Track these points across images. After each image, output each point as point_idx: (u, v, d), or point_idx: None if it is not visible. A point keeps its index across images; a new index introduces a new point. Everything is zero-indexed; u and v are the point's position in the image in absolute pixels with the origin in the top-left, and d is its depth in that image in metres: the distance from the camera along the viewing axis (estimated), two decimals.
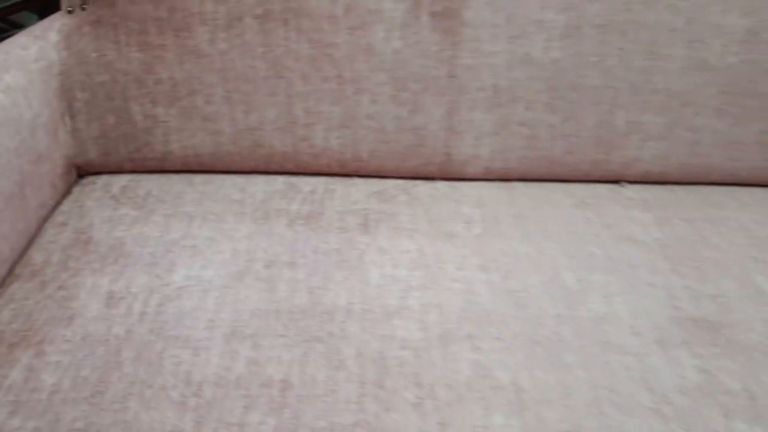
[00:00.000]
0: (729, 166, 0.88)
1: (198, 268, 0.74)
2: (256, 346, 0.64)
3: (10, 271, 0.75)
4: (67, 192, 0.88)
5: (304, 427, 0.57)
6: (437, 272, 0.73)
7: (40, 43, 0.84)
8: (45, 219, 0.83)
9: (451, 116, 0.84)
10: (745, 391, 0.61)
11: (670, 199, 0.86)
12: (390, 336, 0.66)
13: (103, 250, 0.77)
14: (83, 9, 0.85)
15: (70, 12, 0.85)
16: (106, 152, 0.88)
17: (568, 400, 0.60)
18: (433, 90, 0.83)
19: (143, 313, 0.68)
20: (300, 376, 0.61)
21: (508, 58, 0.82)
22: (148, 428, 0.57)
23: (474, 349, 0.64)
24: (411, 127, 0.85)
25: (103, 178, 0.90)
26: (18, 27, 1.65)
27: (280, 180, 0.89)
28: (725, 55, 0.81)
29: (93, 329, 0.67)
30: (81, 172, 0.91)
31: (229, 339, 0.65)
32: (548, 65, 0.82)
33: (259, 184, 0.88)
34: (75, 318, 0.68)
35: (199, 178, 0.89)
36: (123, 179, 0.89)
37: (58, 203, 0.86)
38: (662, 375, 0.62)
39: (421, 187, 0.88)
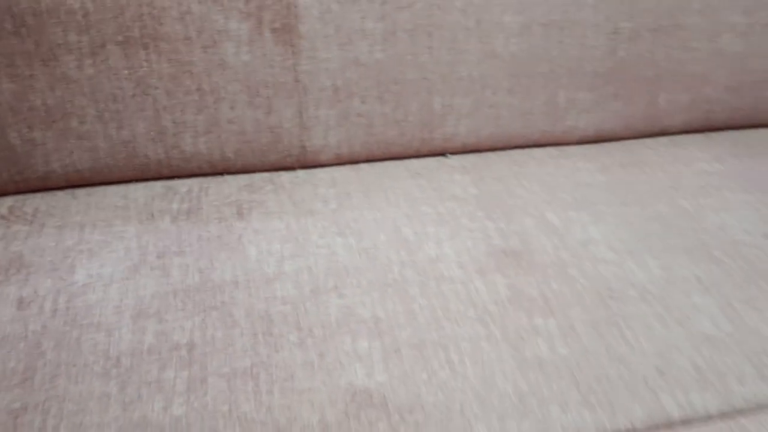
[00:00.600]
0: (525, 132, 1.11)
1: (97, 267, 0.85)
2: (161, 320, 0.77)
3: None
4: None
5: (212, 374, 0.72)
6: (304, 242, 0.89)
7: None
8: None
9: (300, 114, 1.00)
10: (542, 296, 0.83)
11: (483, 163, 1.08)
12: (272, 297, 0.81)
13: (4, 264, 0.86)
14: None
15: None
16: None
17: (414, 322, 0.78)
18: (282, 93, 0.99)
19: (55, 310, 0.79)
20: (202, 338, 0.75)
21: (340, 61, 0.99)
22: (79, 397, 0.69)
23: (339, 296, 0.81)
24: (267, 127, 1.01)
25: None
26: None
27: (158, 185, 1.01)
28: (508, 45, 1.03)
29: (10, 329, 0.76)
30: None
31: (136, 319, 0.78)
32: (373, 65, 1.00)
33: (139, 190, 1.00)
34: None
35: (81, 192, 0.99)
36: (8, 200, 0.97)
37: None
38: (482, 294, 0.83)
39: (283, 176, 1.03)
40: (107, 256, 0.87)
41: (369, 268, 0.86)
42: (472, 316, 0.80)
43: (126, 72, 0.94)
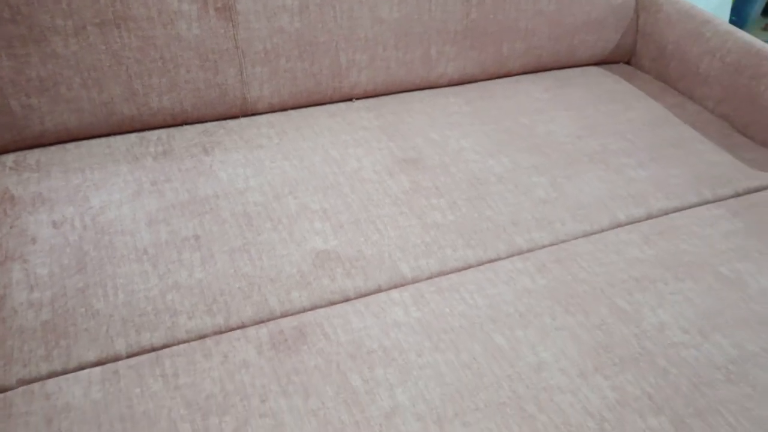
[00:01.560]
0: (408, 78, 1.47)
1: (106, 195, 1.12)
2: (169, 224, 1.07)
3: None
4: None
5: (217, 252, 1.03)
6: (260, 167, 1.21)
7: None
8: None
9: (241, 73, 1.31)
10: (434, 186, 1.20)
11: (380, 103, 1.44)
12: (246, 202, 1.13)
13: (28, 200, 1.11)
14: None
15: None
16: None
17: (350, 209, 1.13)
18: (226, 57, 1.28)
19: (84, 226, 1.06)
20: (203, 232, 1.06)
21: (268, 30, 1.30)
22: (125, 275, 0.98)
23: (295, 198, 1.14)
24: (216, 84, 1.30)
25: None
26: None
27: (132, 136, 1.28)
28: (392, 12, 1.38)
29: (54, 242, 1.03)
30: None
31: (150, 224, 1.07)
32: (294, 32, 1.32)
33: (118, 141, 1.26)
34: (36, 240, 1.03)
35: (71, 145, 1.24)
36: (11, 156, 1.21)
37: None
38: (393, 188, 1.19)
39: (231, 123, 1.34)
40: (111, 187, 1.14)
41: (311, 178, 1.19)
42: (389, 202, 1.16)
43: (103, 47, 1.19)
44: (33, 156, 1.21)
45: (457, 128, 1.37)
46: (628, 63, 1.74)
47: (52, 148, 1.24)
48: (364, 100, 1.45)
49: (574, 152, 1.33)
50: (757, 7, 2.96)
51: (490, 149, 1.31)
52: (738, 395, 0.87)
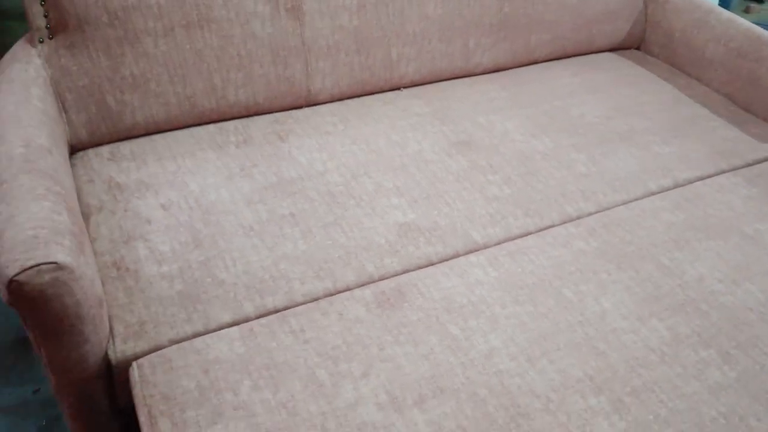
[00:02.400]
0: (450, 68, 1.62)
1: (202, 180, 1.25)
2: (265, 204, 1.21)
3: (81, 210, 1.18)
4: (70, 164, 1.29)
5: (313, 227, 1.17)
6: (332, 151, 1.35)
7: (33, 64, 1.22)
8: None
9: (306, 67, 1.44)
10: (488, 164, 1.35)
11: (427, 91, 1.58)
12: (328, 183, 1.27)
13: (133, 186, 1.23)
14: (50, 39, 1.24)
15: (41, 42, 1.24)
16: (92, 132, 1.30)
17: (420, 185, 1.27)
18: (294, 53, 1.42)
19: (190, 207, 1.19)
20: (297, 210, 1.20)
21: (331, 28, 1.43)
22: (237, 249, 1.11)
23: (370, 177, 1.28)
24: (285, 77, 1.43)
25: (90, 151, 1.32)
26: None
27: (211, 127, 1.40)
28: (436, 9, 1.52)
29: (167, 222, 1.16)
30: (72, 150, 1.31)
31: (248, 204, 1.20)
32: (352, 29, 1.45)
33: (200, 131, 1.39)
34: (151, 221, 1.16)
35: (158, 137, 1.36)
36: (106, 148, 1.33)
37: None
38: (453, 167, 1.34)
39: (298, 113, 1.47)
40: (204, 173, 1.27)
41: (380, 160, 1.33)
42: (451, 179, 1.31)
43: (188, 46, 1.32)
44: (126, 147, 1.33)
45: (500, 113, 1.52)
46: (638, 49, 1.91)
47: (141, 139, 1.36)
48: (410, 88, 1.59)
49: (605, 132, 1.49)
50: None
51: (532, 131, 1.47)
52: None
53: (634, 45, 1.90)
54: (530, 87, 1.64)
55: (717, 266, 1.17)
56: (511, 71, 1.71)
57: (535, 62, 1.75)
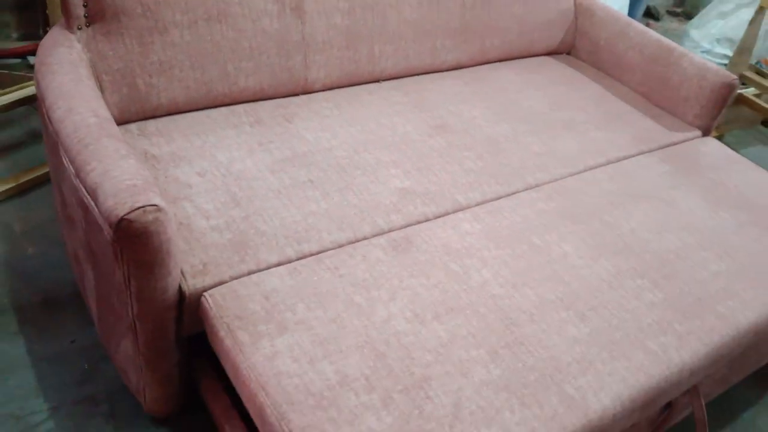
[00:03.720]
0: (420, 64, 1.89)
1: (227, 153, 1.45)
2: (287, 172, 1.43)
3: None
4: None
5: (330, 191, 1.40)
6: (334, 131, 1.58)
7: (75, 49, 1.38)
8: None
9: (305, 59, 1.67)
10: (461, 143, 1.63)
11: (403, 84, 1.84)
12: (336, 156, 1.50)
13: (168, 158, 1.42)
14: (88, 26, 1.41)
15: (80, 29, 1.41)
16: (122, 110, 1.47)
17: (410, 159, 1.53)
18: (295, 47, 1.64)
19: (223, 175, 1.39)
20: (315, 178, 1.43)
21: (326, 26, 1.67)
22: (272, 209, 1.33)
23: (370, 153, 1.53)
24: (287, 68, 1.65)
25: (120, 128, 1.48)
26: None
27: (224, 109, 1.60)
28: (412, 14, 1.79)
29: (206, 186, 1.36)
30: None
31: (272, 173, 1.42)
32: (344, 28, 1.69)
33: (215, 113, 1.58)
34: (191, 185, 1.35)
35: (178, 117, 1.55)
36: (134, 126, 1.50)
37: None
38: (435, 145, 1.61)
39: (296, 99, 1.69)
40: (228, 147, 1.47)
41: (376, 139, 1.58)
42: (435, 155, 1.58)
43: (208, 38, 1.52)
44: (151, 125, 1.51)
45: (466, 103, 1.81)
46: (569, 54, 2.26)
47: (164, 118, 1.54)
48: (388, 81, 1.85)
49: (551, 120, 1.81)
50: (640, 11, 3.63)
51: (494, 118, 1.77)
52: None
53: (565, 50, 2.25)
54: (486, 83, 1.94)
55: (643, 222, 1.50)
56: (469, 69, 2.00)
57: (488, 62, 2.06)
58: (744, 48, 2.50)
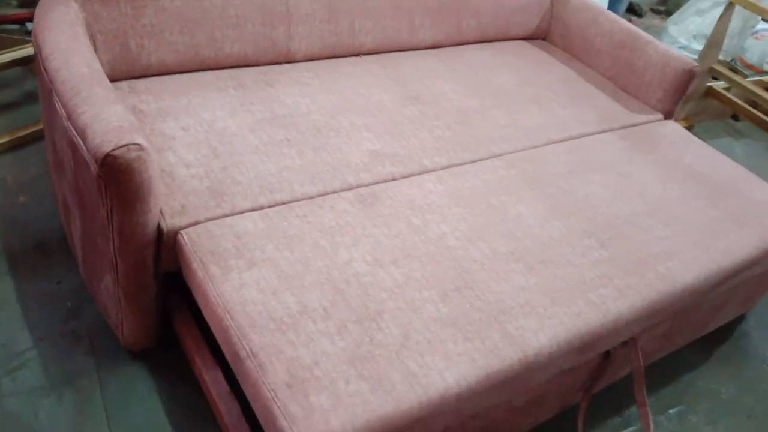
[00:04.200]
0: (399, 41, 1.99)
1: (211, 112, 1.55)
2: (264, 131, 1.53)
3: None
4: None
5: (306, 150, 1.50)
6: (313, 97, 1.69)
7: (72, 8, 1.48)
8: None
9: (289, 30, 1.77)
10: (432, 112, 1.74)
11: (381, 58, 1.95)
12: (313, 120, 1.60)
13: (155, 113, 1.52)
14: None
15: None
16: (113, 69, 1.57)
17: (383, 126, 1.64)
18: (279, 18, 1.74)
19: (206, 131, 1.49)
20: (292, 137, 1.53)
21: None
22: (249, 163, 1.43)
23: (346, 118, 1.63)
24: (270, 37, 1.75)
25: (111, 85, 1.58)
26: None
27: (210, 73, 1.70)
28: None
29: (189, 139, 1.46)
30: None
31: (252, 131, 1.52)
32: (326, 2, 1.80)
33: (200, 76, 1.68)
34: (175, 138, 1.45)
35: (166, 77, 1.65)
36: (125, 83, 1.59)
37: None
38: (408, 113, 1.71)
39: (278, 67, 1.79)
40: (212, 107, 1.57)
41: (351, 106, 1.69)
42: (407, 122, 1.68)
43: (197, 4, 1.61)
44: (141, 85, 1.61)
45: (439, 78, 1.91)
46: (544, 39, 2.37)
47: (153, 78, 1.64)
48: (368, 56, 1.95)
49: (519, 97, 1.92)
50: (623, 6, 3.74)
51: (464, 92, 1.87)
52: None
53: (541, 36, 2.36)
54: (461, 61, 2.04)
55: (597, 190, 1.61)
56: (446, 48, 2.11)
57: (464, 43, 2.16)
58: (713, 42, 2.60)
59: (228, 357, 1.13)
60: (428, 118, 1.72)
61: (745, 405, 1.69)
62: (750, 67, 3.46)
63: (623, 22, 2.15)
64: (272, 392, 1.01)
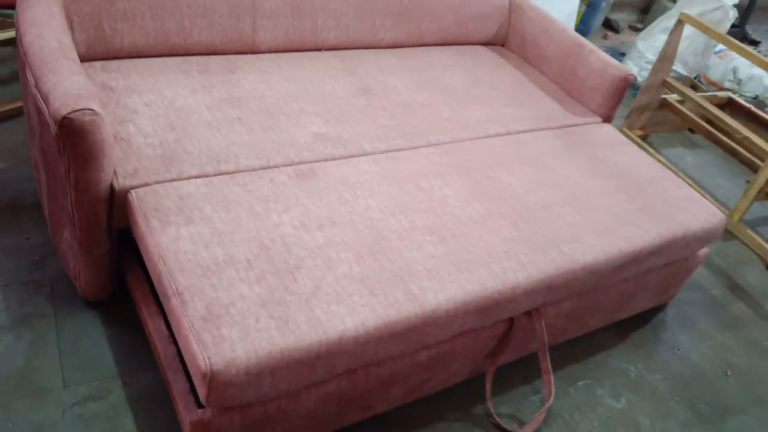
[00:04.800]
0: (360, 39, 2.16)
1: (173, 91, 1.72)
2: (219, 110, 1.70)
3: None
4: None
5: (257, 128, 1.67)
6: (270, 84, 1.85)
7: None
8: None
9: (254, 23, 1.94)
10: (380, 104, 1.91)
11: (342, 54, 2.12)
12: (267, 103, 1.77)
13: (122, 90, 1.69)
14: None
15: None
16: (88, 49, 1.74)
17: (332, 112, 1.81)
18: (245, 11, 1.91)
19: (166, 107, 1.66)
20: (244, 117, 1.70)
21: None
22: (202, 136, 1.60)
23: (296, 103, 1.80)
24: (237, 29, 1.92)
25: (85, 64, 1.75)
26: None
27: (179, 59, 1.87)
28: None
29: (149, 113, 1.62)
30: None
31: (209, 109, 1.69)
32: (290, 0, 1.97)
33: (170, 61, 1.85)
34: (137, 112, 1.62)
35: (137, 60, 1.82)
36: (98, 63, 1.77)
37: None
38: (357, 103, 1.88)
39: (243, 57, 1.96)
40: (175, 86, 1.74)
41: (305, 94, 1.86)
42: (354, 111, 1.85)
43: (169, 1, 1.79)
44: (113, 65, 1.78)
45: (393, 74, 2.08)
46: (503, 45, 2.54)
47: (125, 60, 1.81)
48: (330, 51, 2.13)
49: (466, 95, 2.08)
50: (598, 21, 3.91)
51: (414, 88, 2.04)
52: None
53: (500, 42, 2.53)
54: (418, 60, 2.21)
55: (521, 180, 1.77)
56: (406, 49, 2.28)
57: (425, 45, 2.33)
58: (665, 56, 2.76)
59: (160, 297, 1.30)
60: (375, 108, 1.89)
61: (651, 383, 1.84)
62: (713, 83, 3.62)
63: (571, 32, 2.32)
64: (190, 324, 1.17)
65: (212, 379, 1.12)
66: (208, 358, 1.12)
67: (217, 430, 1.22)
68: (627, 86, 2.15)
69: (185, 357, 1.20)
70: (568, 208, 1.72)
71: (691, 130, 3.20)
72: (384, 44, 2.24)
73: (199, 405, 1.25)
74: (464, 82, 2.16)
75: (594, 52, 2.23)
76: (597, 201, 1.78)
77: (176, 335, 1.23)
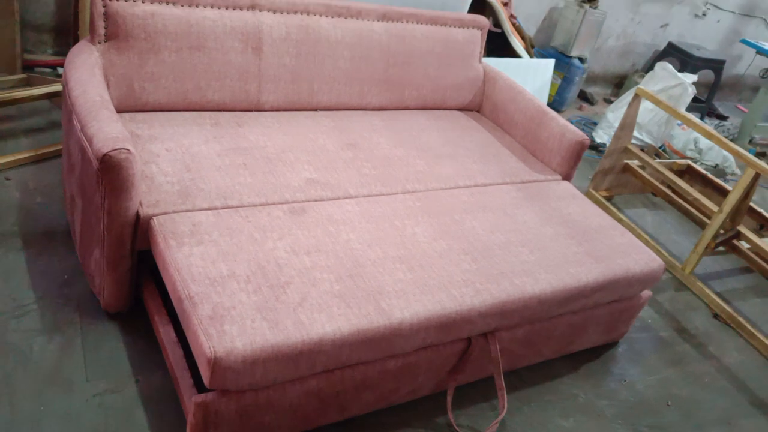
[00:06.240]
0: (351, 103, 2.50)
1: (189, 140, 2.04)
2: (228, 157, 2.01)
3: None
4: None
5: (259, 172, 1.98)
6: (271, 137, 2.18)
7: (93, 55, 1.99)
8: None
9: (259, 86, 2.28)
10: (366, 158, 2.22)
11: (334, 115, 2.45)
12: (268, 152, 2.09)
13: (147, 137, 2.00)
14: (105, 42, 2.03)
15: (100, 43, 2.02)
16: (120, 103, 2.07)
17: (322, 162, 2.12)
18: (252, 76, 2.26)
19: (183, 152, 1.97)
20: (248, 163, 2.01)
21: (278, 65, 2.29)
22: (213, 178, 1.91)
23: (293, 154, 2.12)
24: (244, 90, 2.26)
25: (117, 115, 2.08)
26: None
27: (194, 113, 2.20)
28: (345, 64, 2.42)
29: (170, 157, 1.93)
30: None
31: (219, 156, 2.00)
32: (291, 68, 2.32)
33: (186, 115, 2.18)
34: (159, 155, 1.93)
35: (160, 114, 2.15)
36: (127, 115, 2.09)
37: None
38: (345, 156, 2.20)
39: (249, 114, 2.30)
40: (192, 136, 2.06)
41: (301, 146, 2.18)
42: (341, 162, 2.16)
43: (189, 61, 2.13)
44: (140, 116, 2.11)
45: (377, 133, 2.41)
46: (478, 111, 2.89)
47: (149, 113, 2.14)
48: (324, 111, 2.46)
49: (439, 152, 2.41)
50: (573, 93, 4.30)
51: (395, 145, 2.37)
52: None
53: (475, 108, 2.88)
54: (400, 122, 2.55)
55: (483, 224, 2.07)
56: (390, 111, 2.62)
57: (407, 108, 2.68)
58: (625, 125, 3.12)
59: (174, 301, 1.57)
60: (360, 160, 2.21)
61: (598, 407, 2.08)
62: (676, 152, 3.98)
63: (537, 101, 2.67)
64: (199, 320, 1.45)
65: (215, 363, 1.38)
66: (213, 347, 1.39)
67: (216, 411, 1.47)
68: (583, 149, 2.48)
69: (193, 348, 1.46)
70: (522, 248, 2.01)
71: (653, 194, 3.53)
72: (371, 107, 2.58)
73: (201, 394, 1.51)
74: (439, 142, 2.49)
75: (555, 118, 2.57)
76: (549, 244, 2.07)
77: (186, 331, 1.50)
